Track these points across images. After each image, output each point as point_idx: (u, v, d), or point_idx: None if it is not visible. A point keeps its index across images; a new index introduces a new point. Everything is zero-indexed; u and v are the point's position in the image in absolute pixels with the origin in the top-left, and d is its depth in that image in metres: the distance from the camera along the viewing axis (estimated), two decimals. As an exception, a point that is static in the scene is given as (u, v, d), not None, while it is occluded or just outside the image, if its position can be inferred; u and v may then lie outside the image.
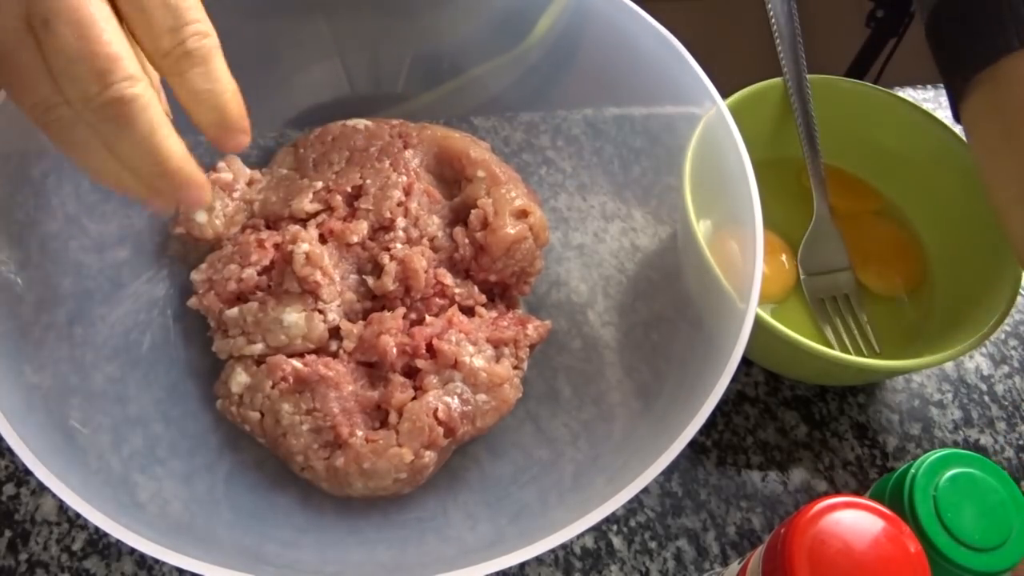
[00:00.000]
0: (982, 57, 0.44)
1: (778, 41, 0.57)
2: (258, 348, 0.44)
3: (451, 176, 0.50)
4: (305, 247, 0.44)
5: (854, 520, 0.34)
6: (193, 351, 0.47)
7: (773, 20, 0.58)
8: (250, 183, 0.49)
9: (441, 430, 0.42)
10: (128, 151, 0.30)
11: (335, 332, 0.45)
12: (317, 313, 0.44)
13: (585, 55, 0.53)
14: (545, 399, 0.48)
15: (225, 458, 0.44)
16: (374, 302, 0.46)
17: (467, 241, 0.47)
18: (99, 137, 0.30)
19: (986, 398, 0.55)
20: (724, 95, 0.45)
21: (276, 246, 0.45)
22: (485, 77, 0.55)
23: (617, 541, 0.47)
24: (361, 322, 0.45)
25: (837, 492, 0.43)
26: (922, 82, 0.70)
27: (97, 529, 0.33)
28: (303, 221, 0.47)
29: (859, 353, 0.53)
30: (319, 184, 0.48)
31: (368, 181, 0.48)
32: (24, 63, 0.29)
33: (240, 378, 0.44)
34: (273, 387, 0.43)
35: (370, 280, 0.46)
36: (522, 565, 0.45)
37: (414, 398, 0.42)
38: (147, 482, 0.40)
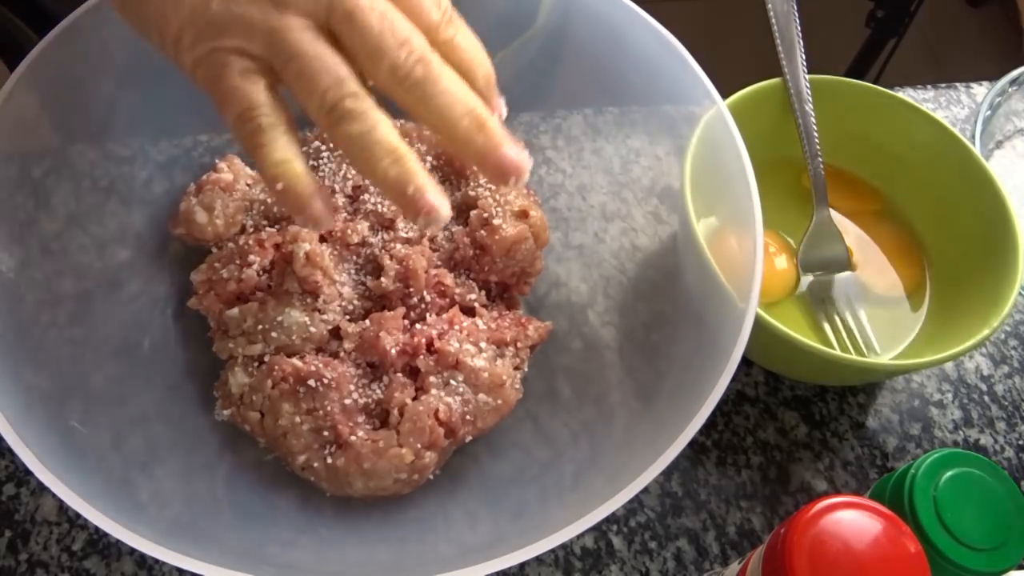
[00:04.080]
0: None
1: (778, 41, 0.57)
2: (258, 348, 0.44)
3: (451, 176, 0.50)
4: (305, 247, 0.44)
5: (854, 520, 0.34)
6: (193, 351, 0.47)
7: (773, 20, 0.58)
8: (250, 183, 0.49)
9: (442, 430, 0.42)
10: (440, 100, 0.32)
11: (335, 332, 0.45)
12: (317, 313, 0.44)
13: (585, 55, 0.53)
14: (545, 399, 0.48)
15: (225, 458, 0.44)
16: (374, 302, 0.46)
17: (467, 241, 0.47)
18: (411, 100, 0.32)
19: (986, 398, 0.55)
20: (724, 95, 0.45)
21: (276, 246, 0.45)
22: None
23: (617, 541, 0.47)
24: (361, 322, 0.45)
25: (837, 492, 0.43)
26: (922, 82, 0.70)
27: (97, 529, 0.33)
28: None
29: (859, 353, 0.53)
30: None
31: (368, 181, 0.48)
32: (327, 53, 0.32)
33: (240, 378, 0.44)
34: (273, 387, 0.43)
35: (370, 280, 0.46)
36: (522, 565, 0.45)
37: (415, 398, 0.42)
38: (147, 482, 0.40)
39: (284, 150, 0.32)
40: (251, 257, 0.45)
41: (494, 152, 0.32)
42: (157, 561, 0.41)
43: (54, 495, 0.32)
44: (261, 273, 0.45)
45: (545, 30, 0.53)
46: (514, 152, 0.33)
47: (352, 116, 0.32)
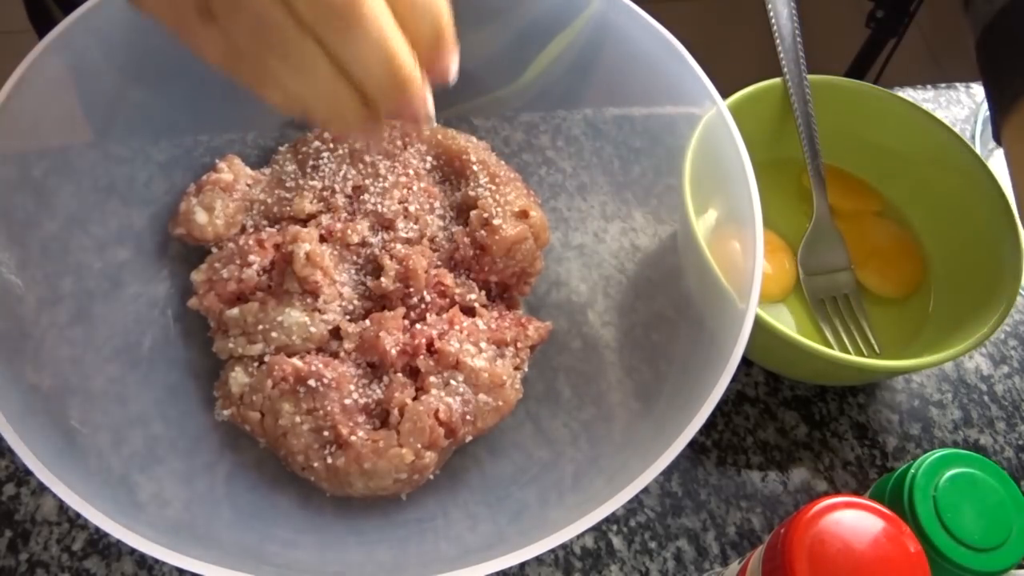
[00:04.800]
0: None
1: (778, 41, 0.57)
2: (258, 348, 0.44)
3: (451, 176, 0.50)
4: (305, 247, 0.44)
5: (854, 520, 0.34)
6: (193, 351, 0.47)
7: (773, 20, 0.58)
8: (250, 183, 0.49)
9: (442, 430, 0.42)
10: (357, 51, 0.28)
11: (335, 332, 0.45)
12: (317, 313, 0.44)
13: (585, 55, 0.53)
14: (545, 399, 0.48)
15: (225, 458, 0.44)
16: (374, 302, 0.46)
17: (467, 241, 0.47)
18: (329, 44, 0.28)
19: (986, 398, 0.55)
20: (724, 95, 0.45)
21: (276, 246, 0.45)
22: (503, 97, 0.55)
23: (617, 541, 0.47)
24: (361, 322, 0.45)
25: (837, 492, 0.43)
26: (922, 82, 0.70)
27: (97, 529, 0.34)
28: (303, 221, 0.47)
29: (859, 353, 0.53)
30: (319, 184, 0.48)
31: (368, 181, 0.48)
32: None
33: (240, 378, 0.44)
34: (273, 387, 0.43)
35: (370, 280, 0.46)
36: (522, 565, 0.45)
37: (415, 398, 0.42)
38: (147, 482, 0.40)
39: (296, 77, 0.29)
40: (251, 257, 0.45)
41: (405, 109, 0.29)
42: (157, 561, 0.41)
43: (54, 495, 0.32)
44: (261, 273, 0.45)
45: (553, 66, 0.53)
46: (424, 108, 0.30)
47: (285, 57, 0.28)
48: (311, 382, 0.42)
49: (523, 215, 0.47)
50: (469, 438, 0.43)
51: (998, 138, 0.48)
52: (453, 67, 0.31)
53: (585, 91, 0.55)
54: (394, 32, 0.28)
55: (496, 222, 0.46)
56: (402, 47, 0.28)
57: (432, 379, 0.43)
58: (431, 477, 0.43)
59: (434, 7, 0.29)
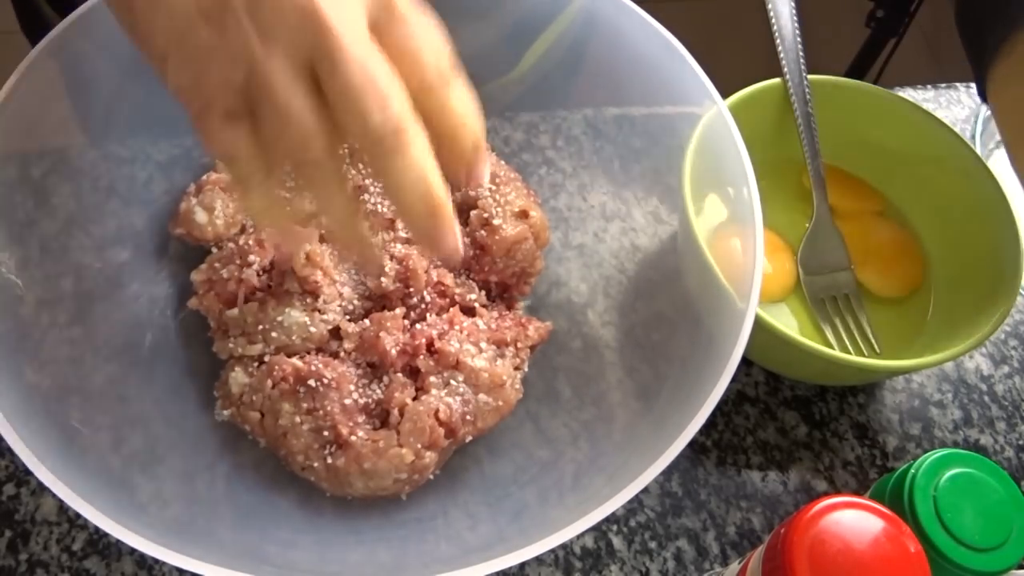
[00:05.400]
0: (1012, 20, 0.43)
1: (778, 41, 0.57)
2: (258, 348, 0.44)
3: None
4: (306, 247, 0.44)
5: (854, 520, 0.34)
6: (193, 351, 0.47)
7: (773, 20, 0.58)
8: (250, 183, 0.49)
9: (442, 430, 0.42)
10: (400, 176, 0.31)
11: (335, 332, 0.45)
12: (317, 313, 0.44)
13: (585, 55, 0.53)
14: (545, 399, 0.48)
15: (225, 458, 0.44)
16: (374, 302, 0.46)
17: (467, 241, 0.47)
18: (374, 165, 0.31)
19: (986, 398, 0.55)
20: (724, 95, 0.45)
21: (276, 246, 0.45)
22: (492, 90, 0.55)
23: (617, 541, 0.47)
24: (361, 322, 0.45)
25: (837, 492, 0.43)
26: (922, 82, 0.70)
27: (97, 529, 0.33)
28: (303, 221, 0.47)
29: (859, 353, 0.53)
30: (319, 184, 0.48)
31: (368, 181, 0.48)
32: (297, 107, 0.30)
33: (240, 378, 0.44)
34: (273, 387, 0.43)
35: (370, 280, 0.46)
36: (522, 565, 0.45)
37: (415, 398, 0.42)
38: (147, 482, 0.40)
39: (262, 199, 0.33)
40: (251, 257, 0.45)
41: (435, 239, 0.32)
42: (157, 561, 0.41)
43: (54, 495, 0.32)
44: (261, 273, 0.45)
45: (547, 55, 0.53)
46: (453, 241, 0.33)
47: (311, 184, 0.32)
48: (311, 382, 0.42)
49: (523, 215, 0.47)
50: (469, 438, 0.43)
51: (984, 96, 0.47)
52: (486, 175, 0.34)
53: (581, 86, 0.55)
54: (432, 166, 0.32)
55: (496, 222, 0.46)
56: (437, 180, 0.32)
57: (432, 379, 0.43)
58: (431, 477, 0.43)
59: (473, 130, 0.33)
